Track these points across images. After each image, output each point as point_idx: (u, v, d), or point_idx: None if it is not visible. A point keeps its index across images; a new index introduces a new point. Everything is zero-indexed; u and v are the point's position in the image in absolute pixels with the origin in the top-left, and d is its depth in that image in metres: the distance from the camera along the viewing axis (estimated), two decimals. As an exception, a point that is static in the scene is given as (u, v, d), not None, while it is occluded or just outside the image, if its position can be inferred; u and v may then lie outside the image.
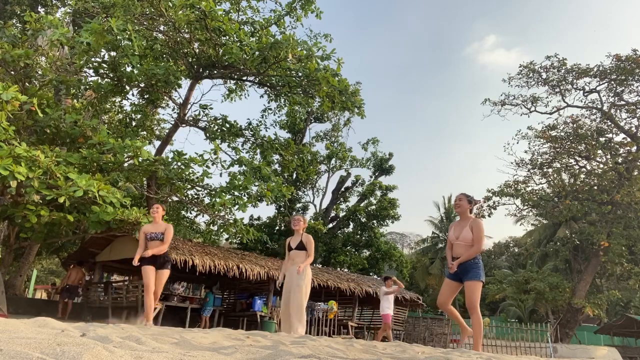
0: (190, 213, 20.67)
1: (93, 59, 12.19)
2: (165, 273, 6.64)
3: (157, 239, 6.53)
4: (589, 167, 22.08)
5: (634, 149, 20.49)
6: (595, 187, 20.74)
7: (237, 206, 12.40)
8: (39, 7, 18.00)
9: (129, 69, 12.59)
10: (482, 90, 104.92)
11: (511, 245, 49.67)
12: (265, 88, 16.08)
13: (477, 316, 4.97)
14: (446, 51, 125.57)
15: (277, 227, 25.18)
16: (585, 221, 22.44)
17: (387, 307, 10.93)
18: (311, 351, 2.71)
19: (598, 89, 21.87)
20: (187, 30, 12.96)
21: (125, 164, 11.26)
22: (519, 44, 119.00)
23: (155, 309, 6.92)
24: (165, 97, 15.26)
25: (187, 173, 12.14)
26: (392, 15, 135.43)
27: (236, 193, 12.91)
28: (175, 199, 14.41)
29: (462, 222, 5.25)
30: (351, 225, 26.34)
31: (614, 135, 21.77)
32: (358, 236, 25.92)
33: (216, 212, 12.81)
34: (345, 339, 4.51)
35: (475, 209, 5.58)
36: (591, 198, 20.45)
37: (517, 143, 35.84)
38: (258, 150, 17.12)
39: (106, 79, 13.11)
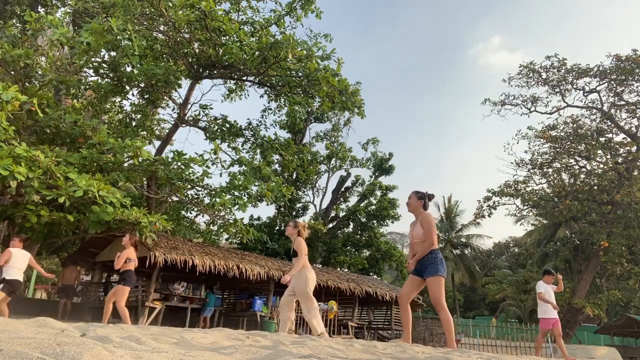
0: (190, 213, 20.68)
1: (93, 59, 12.19)
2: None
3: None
4: (589, 167, 22.08)
5: (634, 149, 20.49)
6: (595, 187, 20.74)
7: (237, 206, 12.40)
8: (39, 7, 17.99)
9: (129, 69, 12.60)
10: (484, 90, 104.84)
11: (511, 245, 49.70)
12: (265, 88, 16.08)
13: (444, 313, 4.78)
14: (450, 52, 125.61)
15: (277, 227, 25.18)
16: (585, 221, 22.45)
17: (549, 309, 8.47)
18: (311, 351, 2.71)
19: (598, 89, 21.90)
20: (187, 30, 12.96)
21: (125, 164, 11.26)
22: (524, 45, 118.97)
23: None
24: (165, 97, 15.26)
25: (187, 173, 12.13)
26: (396, 15, 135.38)
27: (236, 193, 12.91)
28: (175, 199, 14.41)
29: (416, 220, 5.17)
30: (351, 225, 26.35)
31: (614, 135, 21.80)
32: (358, 236, 25.93)
33: (216, 212, 12.81)
34: (345, 339, 4.51)
35: (429, 203, 5.36)
36: (591, 198, 20.45)
37: (517, 143, 35.86)
38: (258, 150, 17.13)
39: (106, 79, 13.11)
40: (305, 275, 5.89)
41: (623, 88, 21.11)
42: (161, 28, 13.39)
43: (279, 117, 24.63)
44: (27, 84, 11.96)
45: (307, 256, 6.02)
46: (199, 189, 13.82)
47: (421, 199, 5.19)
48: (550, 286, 8.74)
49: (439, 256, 4.92)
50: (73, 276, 13.97)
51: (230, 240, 22.32)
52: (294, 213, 26.16)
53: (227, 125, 15.49)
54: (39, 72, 12.16)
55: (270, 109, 21.30)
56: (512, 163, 24.32)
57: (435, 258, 4.89)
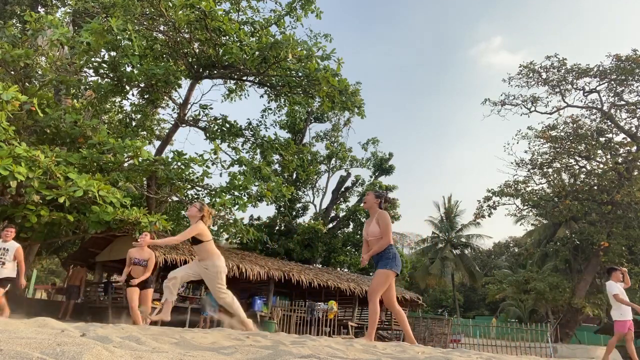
0: (191, 213, 20.64)
1: (93, 59, 12.19)
2: None
3: None
4: (589, 167, 22.07)
5: (634, 149, 20.49)
6: (595, 187, 20.74)
7: (237, 206, 12.40)
8: (39, 7, 17.99)
9: (129, 69, 12.60)
10: (484, 90, 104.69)
11: (511, 245, 49.68)
12: (265, 88, 16.08)
13: (372, 305, 4.88)
14: (450, 52, 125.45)
15: (277, 227, 25.16)
16: (585, 221, 22.43)
17: (626, 310, 7.79)
18: (311, 351, 2.71)
19: (598, 89, 21.90)
20: (187, 30, 12.96)
21: (125, 164, 11.26)
22: (525, 45, 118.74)
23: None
24: (165, 97, 15.26)
25: (187, 173, 12.13)
26: (396, 15, 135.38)
27: (236, 193, 12.91)
28: (175, 199, 14.41)
29: (371, 218, 5.31)
30: (351, 225, 26.30)
31: (614, 135, 21.79)
32: (358, 236, 25.89)
33: (216, 212, 12.81)
34: (345, 339, 4.51)
35: (385, 204, 5.26)
36: (591, 198, 20.44)
37: (517, 143, 35.88)
38: (258, 150, 17.13)
39: (106, 79, 13.10)
40: (216, 263, 5.56)
41: (623, 88, 21.11)
42: (161, 28, 13.39)
43: (279, 117, 24.61)
44: (27, 84, 11.96)
45: (212, 241, 5.64)
46: (199, 189, 13.82)
47: (378, 198, 5.39)
48: (619, 284, 7.94)
49: (393, 251, 5.04)
50: (79, 277, 14.01)
51: (230, 240, 22.30)
52: (293, 213, 26.16)
53: (227, 125, 15.49)
54: (39, 72, 12.16)
55: (270, 109, 21.29)
56: (512, 163, 24.33)
57: (389, 254, 5.00)
